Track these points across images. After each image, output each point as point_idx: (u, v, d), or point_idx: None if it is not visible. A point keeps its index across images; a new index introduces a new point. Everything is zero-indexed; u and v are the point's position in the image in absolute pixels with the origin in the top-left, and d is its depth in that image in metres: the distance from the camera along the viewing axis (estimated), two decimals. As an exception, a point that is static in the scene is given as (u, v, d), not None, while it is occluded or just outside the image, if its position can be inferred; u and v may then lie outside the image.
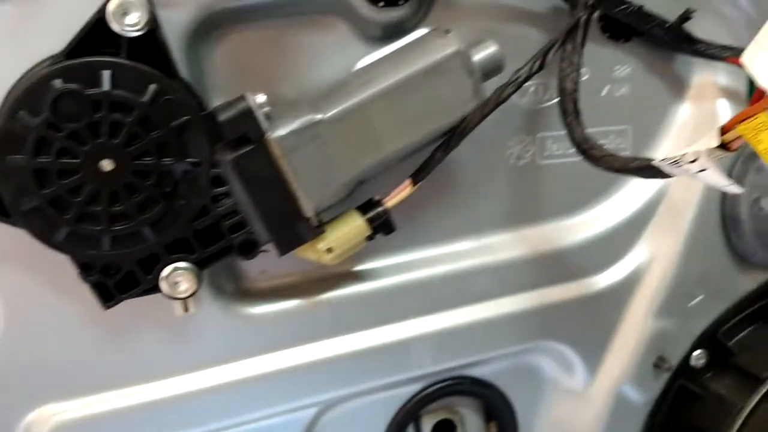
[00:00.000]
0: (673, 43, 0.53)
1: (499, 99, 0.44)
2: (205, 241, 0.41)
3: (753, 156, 0.54)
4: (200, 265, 0.41)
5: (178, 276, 0.41)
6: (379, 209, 0.44)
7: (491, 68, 0.45)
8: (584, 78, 0.49)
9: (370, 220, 0.44)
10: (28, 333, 0.45)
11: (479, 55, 0.44)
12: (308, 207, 0.42)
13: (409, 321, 0.52)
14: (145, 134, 0.38)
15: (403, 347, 0.52)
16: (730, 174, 0.56)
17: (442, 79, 0.43)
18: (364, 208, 0.44)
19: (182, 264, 0.41)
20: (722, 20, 0.54)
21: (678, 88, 0.56)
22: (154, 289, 0.41)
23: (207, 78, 0.44)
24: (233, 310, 0.47)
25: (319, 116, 0.41)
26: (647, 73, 0.55)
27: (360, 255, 0.49)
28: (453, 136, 0.44)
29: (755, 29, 0.53)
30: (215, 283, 0.47)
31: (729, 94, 0.56)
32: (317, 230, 0.42)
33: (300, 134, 0.41)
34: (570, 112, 0.47)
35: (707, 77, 0.56)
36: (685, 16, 0.52)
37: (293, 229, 0.42)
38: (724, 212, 0.56)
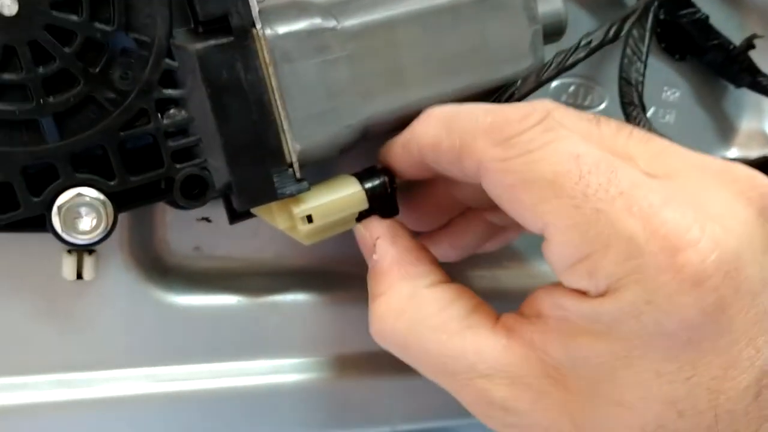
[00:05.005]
0: (731, 70, 0.44)
1: (562, 64, 0.33)
2: (133, 165, 0.27)
3: None
4: (118, 201, 0.27)
5: (80, 207, 0.26)
6: (385, 179, 0.32)
7: (553, 28, 0.34)
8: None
9: (370, 192, 0.31)
10: None
11: (543, 7, 0.34)
12: (293, 148, 0.29)
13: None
14: (77, -25, 0.25)
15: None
16: None
17: (498, 17, 0.32)
18: (363, 176, 0.32)
19: (90, 192, 0.27)
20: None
21: (726, 130, 0.47)
22: (40, 221, 0.27)
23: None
24: (147, 292, 0.33)
25: (332, 23, 0.29)
26: (697, 104, 0.46)
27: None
28: (495, 100, 0.33)
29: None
30: (130, 249, 0.32)
31: (777, 148, 0.48)
32: (300, 185, 0.29)
33: (302, 40, 0.28)
34: (635, 104, 0.37)
35: (756, 125, 0.48)
36: (750, 43, 0.44)
37: (266, 175, 0.29)
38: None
